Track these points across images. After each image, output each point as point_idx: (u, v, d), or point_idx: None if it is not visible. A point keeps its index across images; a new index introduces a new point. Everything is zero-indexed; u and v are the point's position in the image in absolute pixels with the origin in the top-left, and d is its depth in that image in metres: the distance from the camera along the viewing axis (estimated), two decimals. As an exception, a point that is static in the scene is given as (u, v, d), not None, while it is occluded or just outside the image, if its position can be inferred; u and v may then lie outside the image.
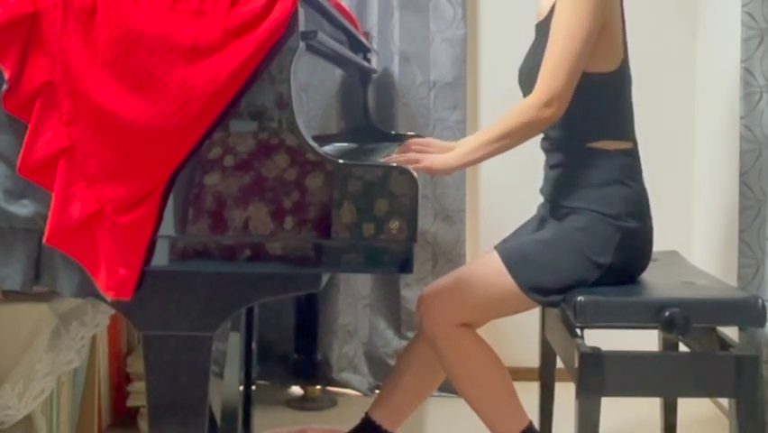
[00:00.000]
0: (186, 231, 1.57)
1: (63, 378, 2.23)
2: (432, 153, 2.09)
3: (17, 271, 1.63)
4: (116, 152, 1.55)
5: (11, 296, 1.94)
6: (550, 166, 2.19)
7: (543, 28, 2.14)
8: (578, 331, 2.04)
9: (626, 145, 2.11)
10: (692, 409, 2.86)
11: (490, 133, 2.01)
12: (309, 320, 3.03)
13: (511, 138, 2.00)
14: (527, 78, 2.15)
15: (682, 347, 2.37)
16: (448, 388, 2.74)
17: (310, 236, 1.55)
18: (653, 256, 2.17)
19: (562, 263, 2.05)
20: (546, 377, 2.52)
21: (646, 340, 2.40)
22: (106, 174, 1.55)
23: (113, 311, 2.07)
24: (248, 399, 2.49)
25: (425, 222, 3.11)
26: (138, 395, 2.64)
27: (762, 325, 1.99)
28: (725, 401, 2.70)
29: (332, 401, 3.07)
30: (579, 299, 1.98)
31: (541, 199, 2.24)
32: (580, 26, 1.97)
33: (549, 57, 1.99)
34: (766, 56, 2.44)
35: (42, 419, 2.05)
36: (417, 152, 2.23)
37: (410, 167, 1.59)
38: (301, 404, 3.05)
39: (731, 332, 2.07)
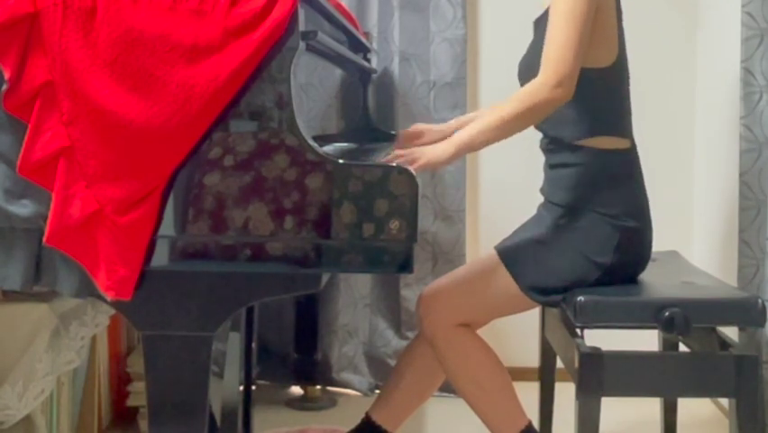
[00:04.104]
0: (186, 231, 1.57)
1: (63, 378, 2.23)
2: (426, 145, 2.06)
3: (17, 271, 1.63)
4: (116, 152, 1.55)
5: (11, 296, 1.94)
6: (549, 166, 2.19)
7: (541, 24, 2.14)
8: (578, 331, 2.04)
9: (624, 144, 2.11)
10: (692, 409, 2.86)
11: (497, 117, 1.94)
12: (309, 320, 3.03)
13: (520, 120, 1.94)
14: (527, 74, 2.14)
15: (682, 347, 2.37)
16: (448, 388, 2.74)
17: (310, 236, 1.55)
18: (653, 256, 2.16)
19: (561, 263, 2.05)
20: (546, 377, 2.52)
21: (646, 340, 2.40)
22: (106, 174, 1.55)
23: (113, 311, 2.07)
24: (248, 399, 2.49)
25: (425, 222, 3.11)
26: (138, 395, 2.64)
27: (762, 325, 1.98)
28: (725, 401, 2.70)
29: (332, 401, 3.07)
30: (579, 299, 1.98)
31: (541, 199, 2.24)
32: (578, 7, 1.96)
33: (552, 40, 1.97)
34: (766, 56, 2.44)
35: (42, 419, 2.05)
36: (413, 144, 2.22)
37: (410, 167, 1.59)
38: (301, 404, 3.05)
39: (731, 332, 2.07)
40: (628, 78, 2.14)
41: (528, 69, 2.12)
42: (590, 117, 2.08)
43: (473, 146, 1.98)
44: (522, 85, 2.17)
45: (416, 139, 2.27)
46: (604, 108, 2.10)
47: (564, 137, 2.11)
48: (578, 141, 2.09)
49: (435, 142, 2.10)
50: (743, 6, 2.46)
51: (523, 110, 1.94)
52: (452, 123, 2.32)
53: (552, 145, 2.16)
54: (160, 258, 1.58)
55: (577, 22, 1.96)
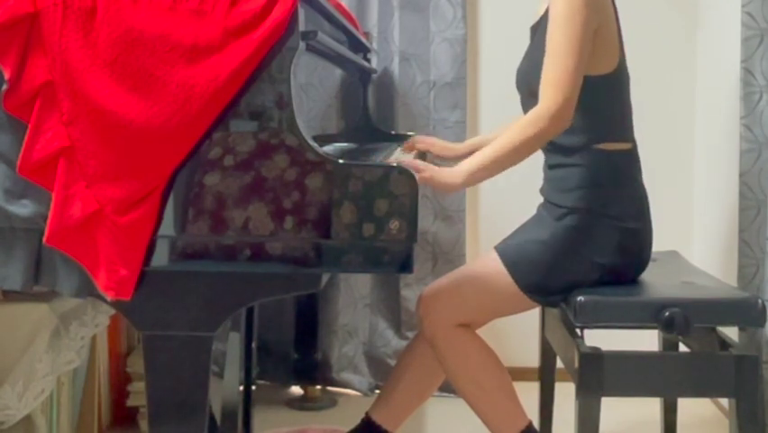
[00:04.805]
0: (186, 231, 1.57)
1: (63, 378, 2.23)
2: (435, 159, 2.10)
3: (17, 271, 1.63)
4: (116, 152, 1.55)
5: (11, 296, 1.94)
6: (549, 166, 2.18)
7: (537, 31, 2.13)
8: (578, 331, 2.04)
9: (625, 146, 2.11)
10: (692, 409, 2.86)
11: (497, 150, 1.95)
12: (309, 320, 3.03)
13: (520, 152, 1.96)
14: (524, 81, 2.15)
15: (682, 347, 2.37)
16: (448, 388, 2.74)
17: (310, 236, 1.55)
18: (653, 256, 2.17)
19: (561, 264, 2.05)
20: (546, 377, 2.52)
21: (646, 340, 2.40)
22: (106, 174, 1.55)
23: (113, 311, 2.07)
24: (248, 399, 2.49)
25: (425, 222, 3.11)
26: (138, 395, 2.64)
27: (762, 325, 1.98)
28: (725, 401, 2.70)
29: (332, 401, 3.07)
30: (579, 299, 1.98)
31: (541, 199, 2.24)
32: (576, 35, 1.95)
33: (550, 69, 1.96)
34: (766, 56, 2.44)
35: (42, 419, 2.05)
36: (421, 149, 2.25)
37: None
38: (301, 404, 3.05)
39: (731, 332, 2.07)
40: (629, 80, 2.14)
41: (526, 78, 2.12)
42: (596, 125, 2.07)
43: (478, 179, 2.00)
44: (520, 93, 2.18)
45: (425, 145, 2.34)
46: (609, 114, 2.10)
47: (566, 141, 2.11)
48: (580, 145, 2.09)
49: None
50: (743, 6, 2.46)
51: (522, 141, 1.95)
52: (462, 146, 2.42)
53: (552, 146, 2.16)
54: (160, 258, 1.58)
55: (575, 50, 1.95)
